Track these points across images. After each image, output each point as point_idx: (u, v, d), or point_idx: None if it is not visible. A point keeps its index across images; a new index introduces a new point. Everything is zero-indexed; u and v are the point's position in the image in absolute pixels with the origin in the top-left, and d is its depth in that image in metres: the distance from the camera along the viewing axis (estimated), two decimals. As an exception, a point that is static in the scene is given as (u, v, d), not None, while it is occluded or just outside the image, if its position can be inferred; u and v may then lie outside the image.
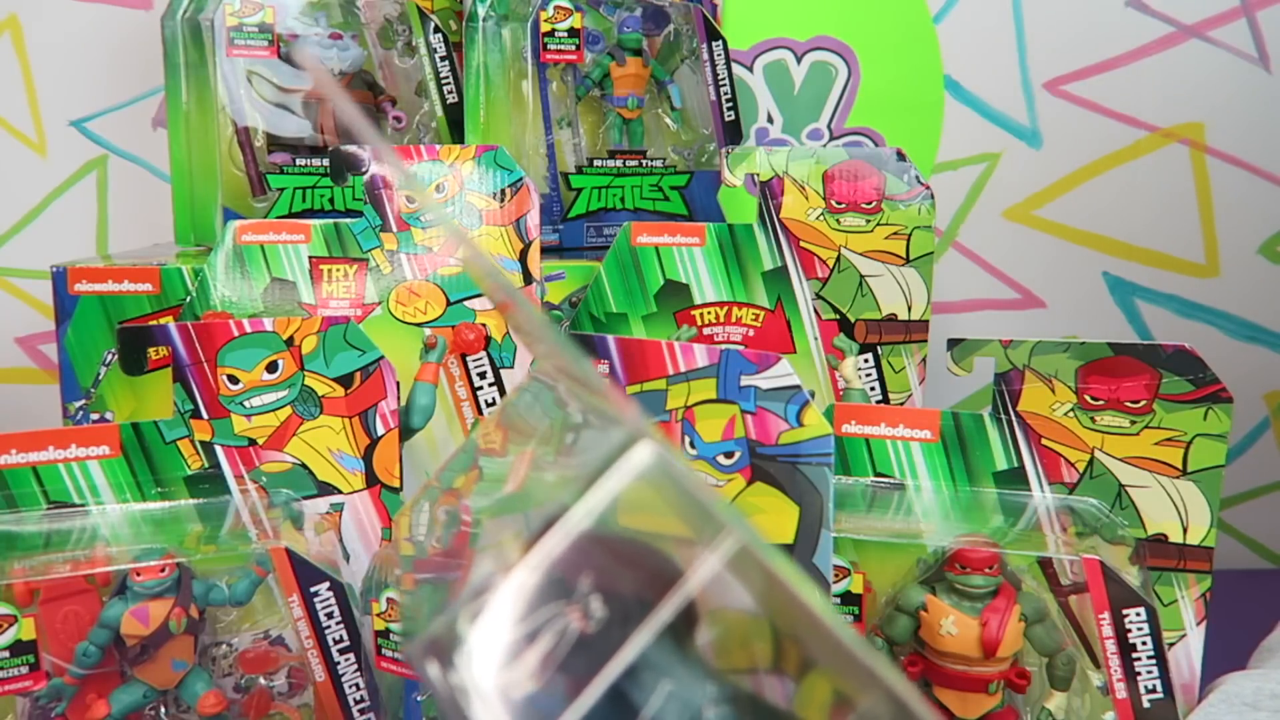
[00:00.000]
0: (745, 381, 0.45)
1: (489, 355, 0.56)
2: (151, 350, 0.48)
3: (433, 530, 0.37)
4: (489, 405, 0.56)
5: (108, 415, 0.55)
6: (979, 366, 0.51)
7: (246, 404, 0.48)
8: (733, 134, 0.69)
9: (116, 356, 0.51)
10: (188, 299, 0.55)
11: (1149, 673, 0.45)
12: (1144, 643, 0.45)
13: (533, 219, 0.56)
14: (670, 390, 0.47)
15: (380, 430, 0.50)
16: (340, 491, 0.50)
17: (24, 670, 0.42)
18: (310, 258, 0.55)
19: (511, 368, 0.56)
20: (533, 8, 0.65)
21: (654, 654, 0.25)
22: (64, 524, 0.45)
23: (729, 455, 0.46)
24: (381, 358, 0.50)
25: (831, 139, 0.80)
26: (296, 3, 0.64)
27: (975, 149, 0.81)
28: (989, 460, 0.49)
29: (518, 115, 0.66)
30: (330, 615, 0.46)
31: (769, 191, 0.60)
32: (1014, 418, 0.49)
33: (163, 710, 0.45)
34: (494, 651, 0.26)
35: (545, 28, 0.65)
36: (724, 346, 0.46)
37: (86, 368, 0.56)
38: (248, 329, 0.48)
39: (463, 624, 0.27)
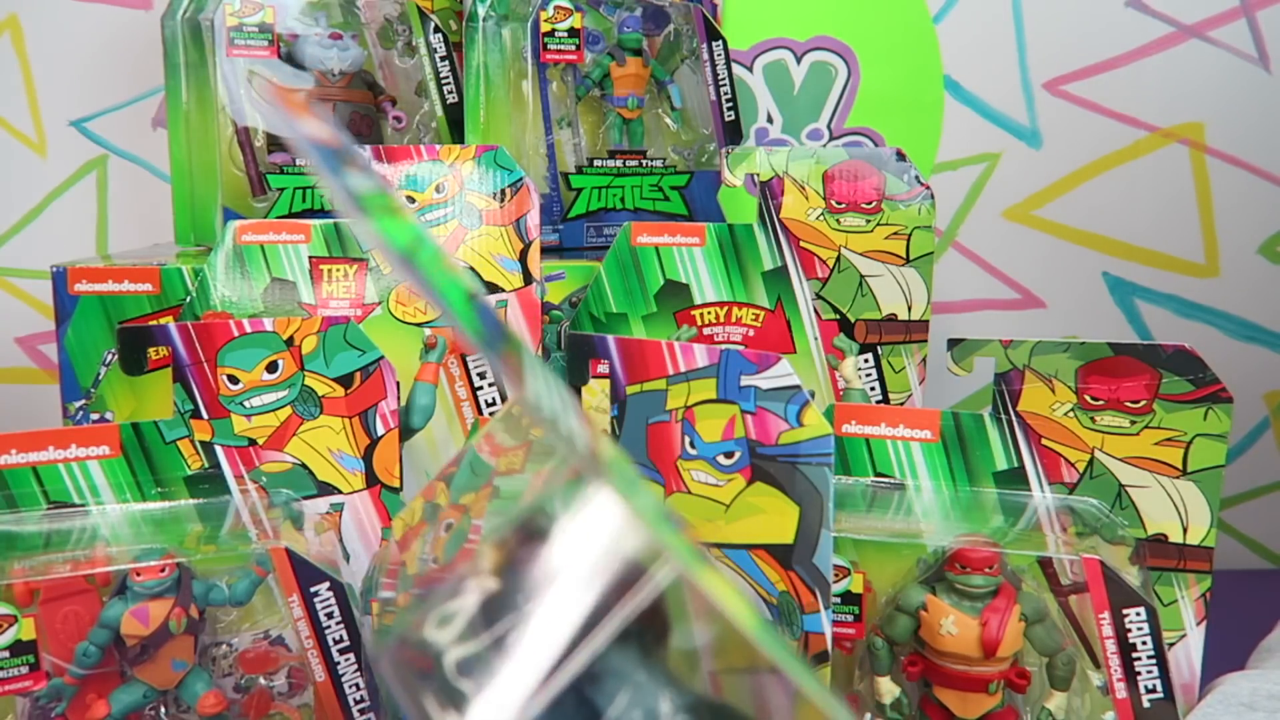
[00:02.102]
0: (745, 381, 0.45)
1: (489, 355, 0.56)
2: (151, 350, 0.48)
3: (436, 547, 0.37)
4: (489, 405, 0.56)
5: (108, 415, 0.55)
6: (979, 366, 0.51)
7: (246, 404, 0.48)
8: (733, 134, 0.69)
9: (116, 356, 0.51)
10: (188, 299, 0.55)
11: (1149, 673, 0.45)
12: (1144, 643, 0.45)
13: (533, 219, 0.56)
14: (670, 390, 0.47)
15: (380, 430, 0.50)
16: (340, 491, 0.50)
17: (24, 670, 0.42)
18: (310, 258, 0.55)
19: (511, 368, 0.56)
20: (533, 8, 0.65)
21: (615, 660, 0.25)
22: (64, 524, 0.45)
23: (729, 455, 0.46)
24: (381, 358, 0.50)
25: (831, 139, 0.80)
26: (296, 3, 0.64)
27: (975, 149, 0.81)
28: (989, 460, 0.49)
29: (518, 115, 0.66)
30: (330, 615, 0.46)
31: (769, 191, 0.60)
32: (1014, 418, 0.49)
33: (163, 710, 0.45)
34: (457, 656, 0.26)
35: (545, 28, 0.65)
36: (724, 346, 0.46)
37: (86, 368, 0.56)
38: (248, 329, 0.48)
39: (429, 629, 0.27)
